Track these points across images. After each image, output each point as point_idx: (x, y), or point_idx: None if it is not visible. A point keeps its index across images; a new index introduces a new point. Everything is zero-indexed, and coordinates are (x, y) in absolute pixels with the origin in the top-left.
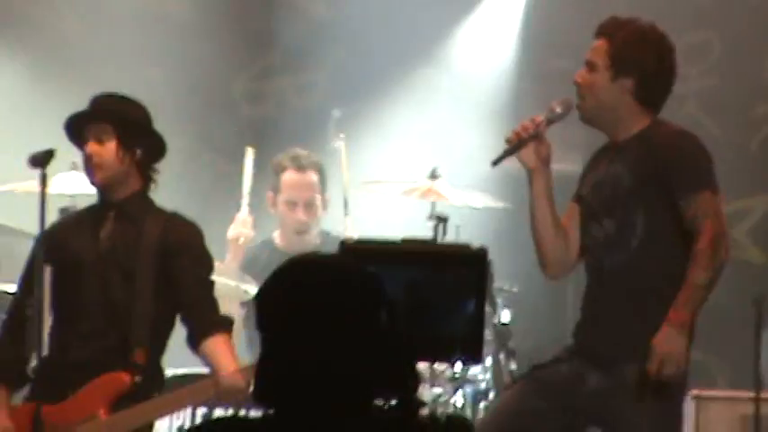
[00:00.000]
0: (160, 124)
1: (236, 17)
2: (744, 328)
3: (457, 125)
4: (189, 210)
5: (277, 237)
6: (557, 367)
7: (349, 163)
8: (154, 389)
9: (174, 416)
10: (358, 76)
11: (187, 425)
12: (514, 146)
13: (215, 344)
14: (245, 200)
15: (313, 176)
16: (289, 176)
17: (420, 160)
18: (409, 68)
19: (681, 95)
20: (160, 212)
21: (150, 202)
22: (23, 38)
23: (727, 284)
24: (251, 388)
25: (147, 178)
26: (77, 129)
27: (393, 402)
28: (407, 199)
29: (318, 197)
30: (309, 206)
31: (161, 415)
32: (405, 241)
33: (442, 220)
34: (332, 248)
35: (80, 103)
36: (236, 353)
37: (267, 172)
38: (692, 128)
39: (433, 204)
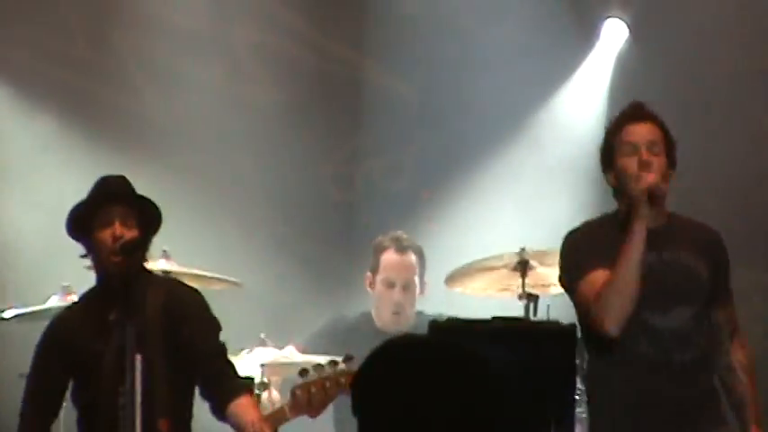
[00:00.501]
0: (249, 208)
1: (322, 101)
2: None
3: (545, 199)
4: (278, 295)
5: (374, 315)
6: None
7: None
8: None
9: None
10: (445, 156)
11: None
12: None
13: (238, 406)
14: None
15: (413, 258)
16: (389, 257)
17: (510, 237)
18: (496, 146)
19: None
20: (160, 283)
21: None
22: (110, 125)
23: None
24: None
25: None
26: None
27: None
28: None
29: (416, 279)
30: (407, 287)
31: None
32: (495, 319)
33: (532, 298)
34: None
35: (163, 189)
36: (259, 410)
37: (357, 254)
38: None
39: (523, 284)
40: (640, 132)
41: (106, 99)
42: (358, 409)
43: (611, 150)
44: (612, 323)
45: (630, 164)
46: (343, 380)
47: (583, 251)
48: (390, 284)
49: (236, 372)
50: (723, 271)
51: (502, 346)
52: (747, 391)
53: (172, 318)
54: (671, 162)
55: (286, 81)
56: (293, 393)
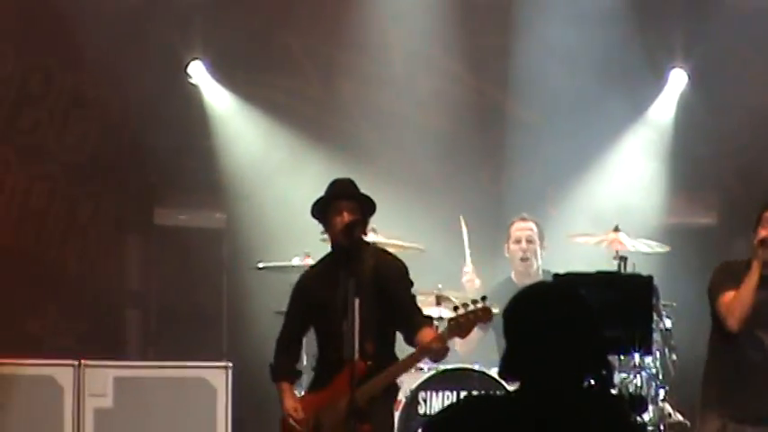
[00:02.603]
0: (430, 200)
1: (478, 126)
2: None
3: (632, 196)
4: (449, 259)
5: (512, 276)
6: None
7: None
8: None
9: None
10: (564, 163)
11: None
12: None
13: (422, 333)
14: (467, 256)
15: (531, 224)
16: (515, 225)
17: (606, 219)
18: (598, 153)
19: None
20: (372, 251)
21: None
22: (337, 143)
23: None
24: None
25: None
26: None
27: (593, 381)
28: (599, 248)
29: (536, 238)
30: (529, 241)
31: (394, 378)
32: (598, 272)
33: (623, 259)
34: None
35: (375, 187)
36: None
37: (503, 233)
38: None
39: (617, 251)
40: None
41: (335, 126)
42: (508, 331)
43: (758, 221)
44: (734, 323)
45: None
46: (480, 313)
47: (723, 278)
48: (517, 240)
49: (421, 313)
50: None
51: (604, 289)
52: None
53: (379, 275)
54: None
55: (453, 113)
56: (449, 322)
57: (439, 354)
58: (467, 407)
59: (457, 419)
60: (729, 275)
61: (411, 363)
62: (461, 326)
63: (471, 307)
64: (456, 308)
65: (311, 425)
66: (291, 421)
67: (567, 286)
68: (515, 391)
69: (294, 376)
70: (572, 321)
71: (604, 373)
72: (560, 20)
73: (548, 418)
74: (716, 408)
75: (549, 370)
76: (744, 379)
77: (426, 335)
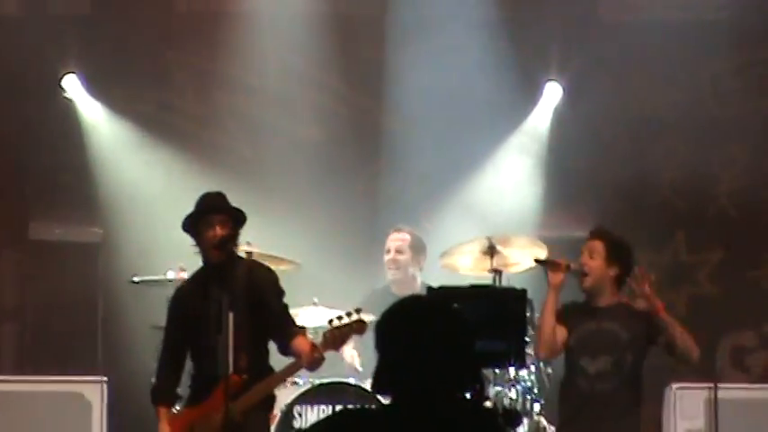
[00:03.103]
0: (306, 211)
1: (352, 137)
2: None
3: (508, 209)
4: (325, 271)
5: (391, 286)
6: None
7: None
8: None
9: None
10: (440, 176)
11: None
12: (550, 265)
13: (296, 343)
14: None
15: (405, 235)
16: (390, 236)
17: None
18: (473, 166)
19: None
20: (245, 263)
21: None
22: (207, 157)
23: None
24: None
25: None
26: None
27: (468, 395)
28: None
29: (408, 251)
30: (399, 251)
31: (269, 390)
32: (472, 286)
33: (497, 272)
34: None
35: (247, 199)
36: (310, 343)
37: (379, 243)
38: None
39: (492, 262)
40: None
41: (206, 139)
42: (379, 343)
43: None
44: (539, 350)
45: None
46: (354, 325)
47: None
48: (387, 250)
49: (294, 322)
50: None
51: (478, 303)
52: None
53: (252, 287)
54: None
55: (328, 126)
56: (324, 335)
57: (315, 363)
58: (339, 420)
59: None
60: (561, 312)
61: (287, 374)
62: (336, 338)
63: (346, 319)
64: (330, 321)
65: None
66: None
67: (440, 300)
68: (388, 405)
69: (173, 399)
70: (444, 335)
71: (478, 386)
72: (435, 33)
73: (420, 431)
74: None
75: (422, 383)
76: (577, 408)
77: (300, 344)
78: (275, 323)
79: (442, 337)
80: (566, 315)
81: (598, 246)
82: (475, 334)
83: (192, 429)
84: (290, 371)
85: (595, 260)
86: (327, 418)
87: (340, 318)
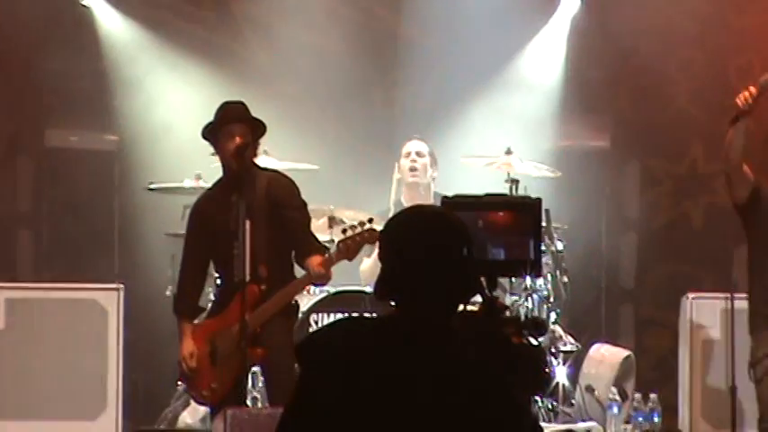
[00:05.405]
0: (323, 120)
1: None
2: None
3: (525, 119)
4: (343, 177)
5: (402, 198)
6: None
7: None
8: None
9: None
10: (457, 85)
11: None
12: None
13: (311, 259)
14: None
15: (422, 143)
16: (407, 144)
17: (498, 143)
18: (490, 75)
19: None
20: (264, 173)
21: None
22: (226, 64)
23: None
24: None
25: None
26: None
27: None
28: (492, 171)
29: (427, 157)
30: (419, 155)
31: (283, 302)
32: (487, 195)
33: (515, 181)
34: None
35: (266, 108)
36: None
37: (395, 152)
38: None
39: (508, 173)
40: None
41: (226, 47)
42: (384, 253)
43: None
44: (734, 193)
45: None
46: (366, 235)
47: None
48: (407, 154)
49: (313, 238)
50: None
51: (492, 212)
52: None
53: (271, 197)
54: None
55: (345, 35)
56: (337, 245)
57: (320, 279)
58: (339, 327)
59: (326, 338)
60: None
61: (297, 287)
62: (349, 248)
63: (358, 229)
64: (344, 230)
65: (206, 351)
66: (185, 367)
67: (440, 211)
68: (388, 314)
69: (194, 311)
70: (441, 248)
71: (482, 291)
72: None
73: (418, 338)
74: None
75: (418, 294)
76: None
77: (314, 261)
78: (292, 237)
79: (439, 250)
80: None
81: None
82: (490, 243)
83: (213, 341)
84: (299, 285)
85: None
86: (327, 325)
87: (353, 227)
